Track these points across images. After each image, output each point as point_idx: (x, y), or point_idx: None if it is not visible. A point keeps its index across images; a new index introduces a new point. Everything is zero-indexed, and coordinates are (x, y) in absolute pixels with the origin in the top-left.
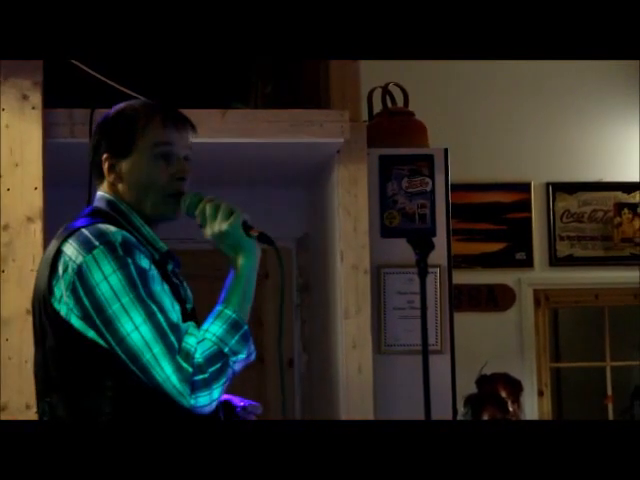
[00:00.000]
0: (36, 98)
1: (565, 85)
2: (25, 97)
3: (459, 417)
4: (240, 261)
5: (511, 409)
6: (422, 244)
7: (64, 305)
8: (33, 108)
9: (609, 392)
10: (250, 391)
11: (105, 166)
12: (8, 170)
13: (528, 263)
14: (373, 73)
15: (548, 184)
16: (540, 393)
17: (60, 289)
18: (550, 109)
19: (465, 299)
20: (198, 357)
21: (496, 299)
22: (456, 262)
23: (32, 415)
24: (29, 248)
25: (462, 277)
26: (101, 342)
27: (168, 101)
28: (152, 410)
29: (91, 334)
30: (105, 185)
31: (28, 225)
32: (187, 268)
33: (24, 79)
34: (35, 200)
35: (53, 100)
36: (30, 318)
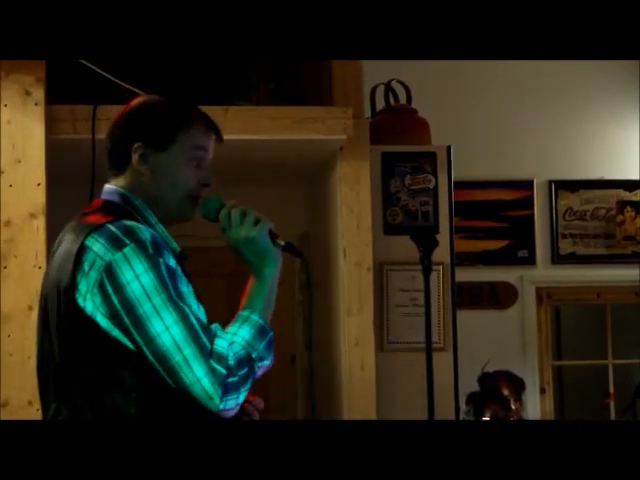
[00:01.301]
0: (39, 94)
1: (568, 83)
2: (28, 93)
3: (461, 415)
4: (264, 268)
5: (513, 407)
6: (426, 241)
7: (90, 302)
8: (36, 104)
9: (611, 390)
10: (251, 389)
11: (136, 155)
12: (10, 166)
13: (530, 261)
14: (376, 70)
15: (550, 182)
16: (542, 391)
17: (86, 286)
18: (553, 107)
19: (467, 297)
20: (230, 360)
21: (498, 297)
22: (458, 260)
23: (33, 412)
24: (31, 244)
25: (464, 275)
26: (126, 342)
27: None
28: (176, 410)
29: (115, 333)
30: (123, 177)
31: (30, 221)
32: (189, 265)
33: (26, 75)
34: (37, 196)
35: (56, 96)
36: (32, 314)
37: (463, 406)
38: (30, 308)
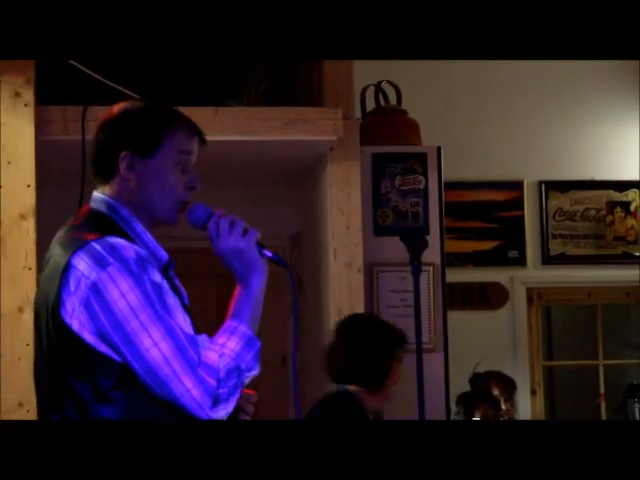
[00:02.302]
0: (29, 95)
1: (558, 84)
2: (18, 94)
3: (452, 415)
4: (251, 278)
5: (504, 407)
6: (416, 242)
7: (76, 320)
8: (26, 105)
9: (602, 390)
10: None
11: (123, 163)
12: (0, 168)
13: (521, 261)
14: (366, 71)
15: (541, 182)
16: (533, 392)
17: (72, 304)
18: (543, 108)
19: (458, 297)
20: (220, 372)
21: (489, 297)
22: (449, 260)
23: (24, 413)
24: (22, 246)
25: (455, 275)
26: (113, 356)
27: (164, 99)
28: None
29: (102, 349)
30: (110, 185)
31: (21, 223)
32: (180, 267)
33: (17, 76)
34: (28, 198)
35: (46, 97)
36: (22, 316)
37: (453, 407)
38: (20, 310)
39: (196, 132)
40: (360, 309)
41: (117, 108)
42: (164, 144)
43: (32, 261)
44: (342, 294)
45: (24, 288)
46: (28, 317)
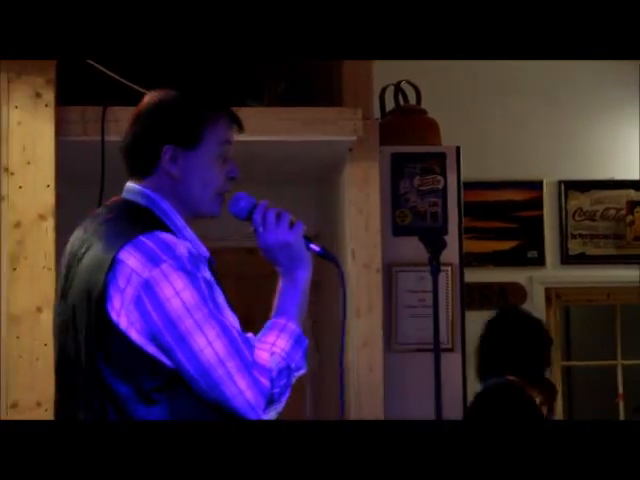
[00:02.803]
0: (49, 95)
1: (577, 84)
2: (38, 95)
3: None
4: (298, 272)
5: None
6: (434, 242)
7: (124, 317)
8: (46, 106)
9: (620, 391)
10: None
11: (166, 157)
12: (20, 168)
13: (540, 261)
14: (386, 71)
15: (560, 182)
16: None
17: (120, 301)
18: (562, 107)
19: (476, 297)
20: (273, 372)
21: (507, 297)
22: (467, 260)
23: (42, 413)
24: (41, 246)
25: (473, 275)
26: (160, 357)
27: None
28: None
29: (150, 349)
30: (150, 178)
31: (40, 223)
32: None
33: (37, 76)
34: (47, 198)
35: (66, 98)
36: (41, 316)
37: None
38: (39, 310)
39: (235, 120)
40: (378, 310)
41: (152, 98)
42: (206, 136)
43: (51, 261)
44: (360, 294)
45: (43, 288)
46: (47, 317)
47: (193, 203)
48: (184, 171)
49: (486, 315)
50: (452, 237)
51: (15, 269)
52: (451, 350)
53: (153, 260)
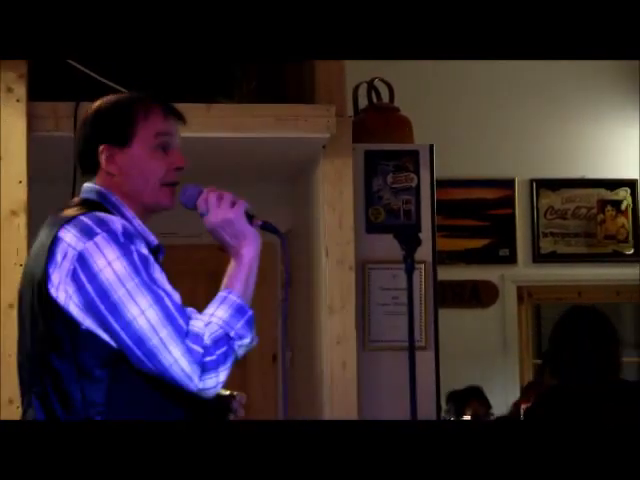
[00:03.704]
0: (20, 91)
1: (549, 83)
2: (9, 89)
3: (442, 414)
4: (243, 249)
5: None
6: (409, 240)
7: (62, 292)
8: (17, 101)
9: None
10: (232, 387)
11: (103, 157)
12: None
13: (511, 259)
14: (359, 68)
15: (532, 181)
16: (522, 390)
17: (58, 276)
18: (534, 107)
19: (449, 295)
20: (206, 340)
21: (479, 295)
22: (440, 258)
23: (14, 410)
24: (13, 242)
25: (446, 273)
26: (98, 332)
27: (155, 94)
28: (147, 401)
29: (87, 323)
30: (96, 178)
31: (12, 219)
32: (170, 264)
33: (8, 71)
34: (19, 194)
35: (38, 93)
36: (12, 312)
37: (443, 405)
38: (11, 306)
39: (171, 111)
40: (351, 307)
41: (94, 105)
42: (138, 131)
43: (23, 257)
44: (334, 292)
45: (15, 285)
46: None
47: (138, 196)
48: (122, 168)
49: (459, 313)
50: (425, 235)
51: None
52: (424, 348)
53: (87, 234)
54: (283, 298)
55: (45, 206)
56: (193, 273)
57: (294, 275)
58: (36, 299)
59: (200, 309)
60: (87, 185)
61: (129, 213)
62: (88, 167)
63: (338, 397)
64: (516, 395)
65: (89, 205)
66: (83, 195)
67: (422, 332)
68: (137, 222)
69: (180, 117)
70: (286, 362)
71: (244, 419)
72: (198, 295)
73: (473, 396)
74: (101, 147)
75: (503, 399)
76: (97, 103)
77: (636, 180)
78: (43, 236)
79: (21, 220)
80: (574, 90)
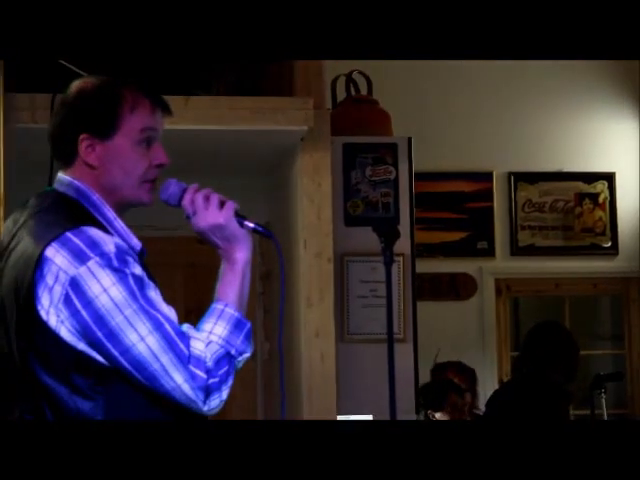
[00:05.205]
0: None
1: (527, 77)
2: None
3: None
4: (235, 254)
5: (467, 399)
6: (388, 232)
7: (54, 316)
8: None
9: None
10: None
11: (82, 147)
12: None
13: (489, 252)
14: (337, 61)
15: (510, 174)
16: (501, 382)
17: (49, 300)
18: (512, 100)
19: (427, 288)
20: (209, 362)
21: (457, 288)
22: (418, 251)
23: None
24: None
25: (424, 266)
26: (93, 355)
27: (141, 81)
28: (145, 416)
29: (81, 347)
30: (74, 168)
31: None
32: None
33: None
34: None
35: (14, 84)
36: None
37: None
38: None
39: (159, 104)
40: (330, 299)
41: (74, 87)
42: (124, 123)
43: None
44: (312, 284)
45: None
46: None
47: (117, 192)
48: (103, 160)
49: (437, 306)
50: (404, 227)
51: None
52: (402, 341)
53: (79, 257)
54: (262, 292)
55: (22, 198)
56: (170, 265)
57: (272, 268)
58: (23, 316)
59: (177, 300)
60: (63, 177)
61: (110, 214)
62: (64, 155)
63: (317, 389)
64: (494, 387)
65: (69, 207)
66: (60, 188)
67: (400, 324)
68: (119, 224)
69: (167, 109)
70: (264, 354)
71: (234, 419)
72: (175, 286)
73: (451, 389)
74: (82, 136)
75: (482, 391)
76: (79, 85)
77: (613, 173)
78: (27, 245)
79: None
80: (552, 84)
